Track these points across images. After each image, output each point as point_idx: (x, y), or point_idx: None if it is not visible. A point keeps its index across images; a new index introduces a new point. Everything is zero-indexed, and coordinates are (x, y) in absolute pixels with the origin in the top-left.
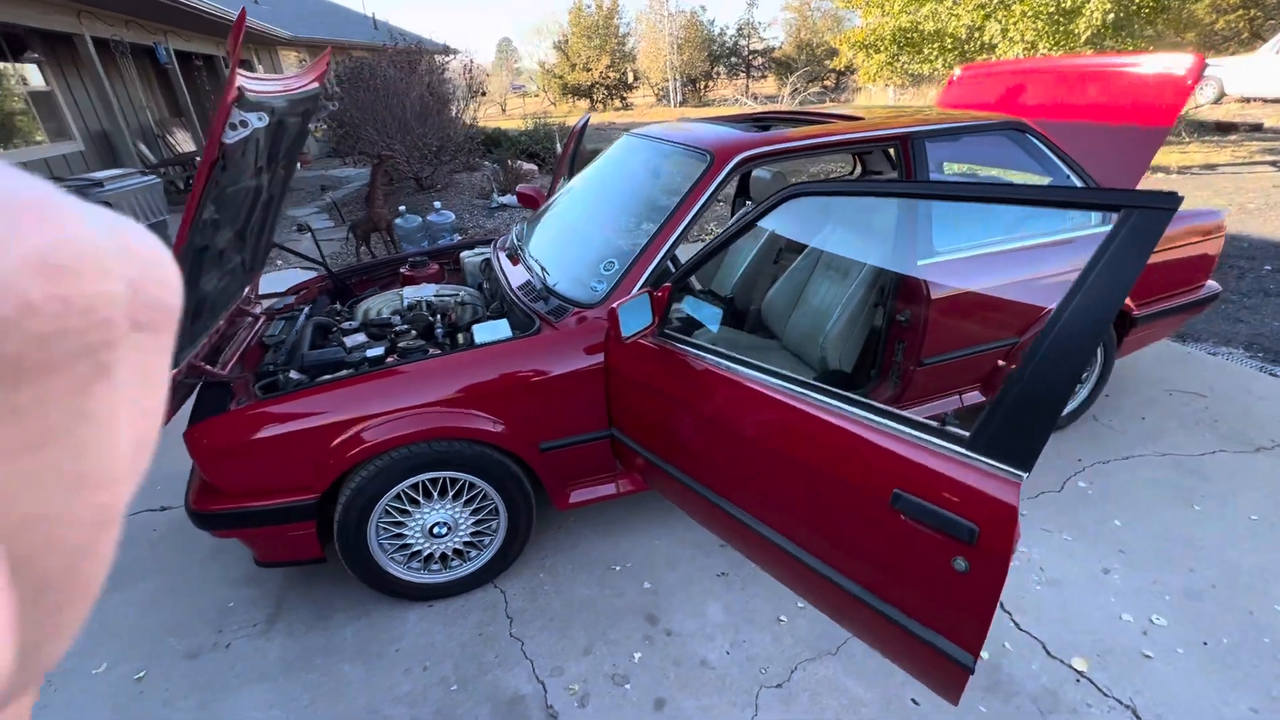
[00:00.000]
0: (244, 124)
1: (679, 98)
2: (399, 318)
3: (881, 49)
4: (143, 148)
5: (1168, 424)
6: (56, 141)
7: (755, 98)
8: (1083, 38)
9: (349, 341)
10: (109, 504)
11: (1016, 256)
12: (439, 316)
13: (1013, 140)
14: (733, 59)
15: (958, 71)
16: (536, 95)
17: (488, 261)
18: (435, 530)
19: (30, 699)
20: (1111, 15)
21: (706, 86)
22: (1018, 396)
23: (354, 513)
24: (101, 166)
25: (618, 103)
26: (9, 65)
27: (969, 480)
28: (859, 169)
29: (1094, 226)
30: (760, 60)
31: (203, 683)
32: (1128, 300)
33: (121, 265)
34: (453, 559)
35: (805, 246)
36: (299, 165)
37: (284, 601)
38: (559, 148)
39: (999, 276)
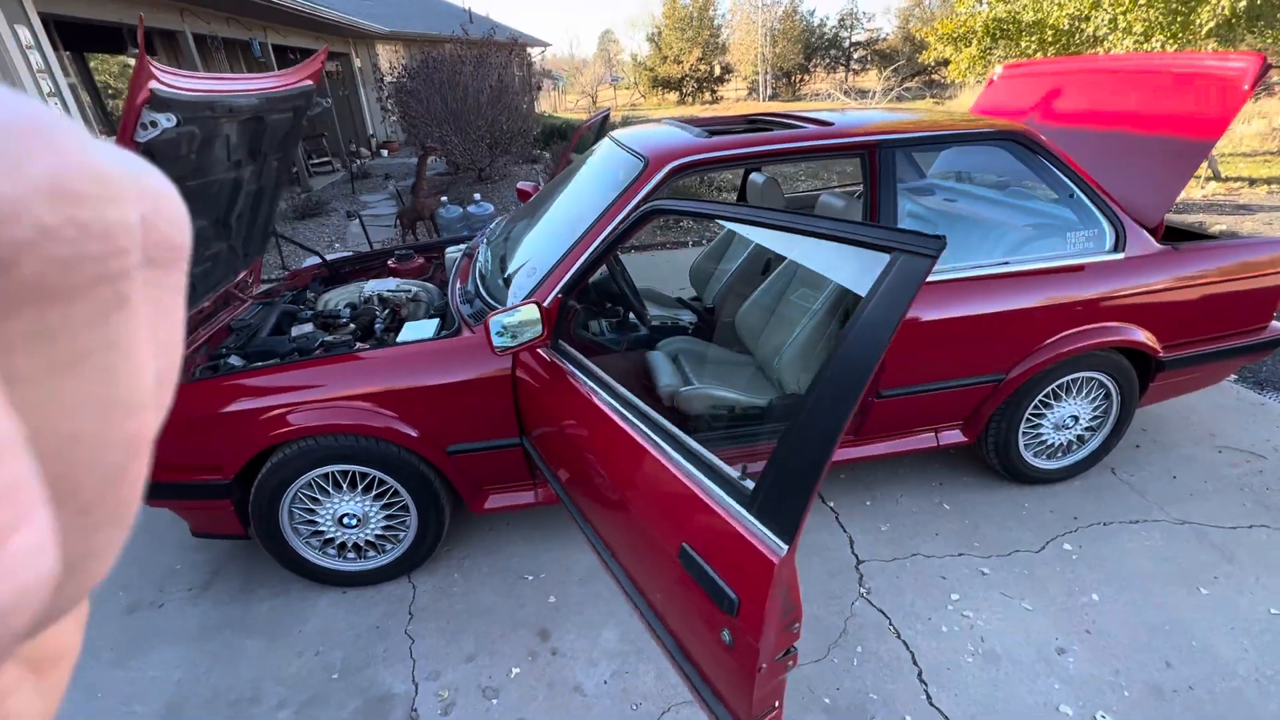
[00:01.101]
0: (154, 124)
1: (768, 92)
2: (350, 310)
3: (972, 42)
4: None
5: (1203, 487)
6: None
7: (849, 92)
8: (1205, 29)
9: (295, 331)
10: (139, 430)
11: (1003, 284)
12: (388, 311)
13: (1011, 152)
14: (832, 51)
15: (998, 71)
16: (628, 87)
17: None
18: (345, 521)
19: (83, 614)
20: (1244, 2)
21: (800, 80)
22: (784, 455)
23: (265, 495)
24: None
25: (707, 96)
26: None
27: (741, 543)
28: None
29: (1106, 253)
30: (862, 53)
31: (129, 638)
32: (1152, 340)
33: (132, 196)
34: (366, 549)
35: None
36: (385, 153)
37: (220, 570)
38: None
39: (979, 305)
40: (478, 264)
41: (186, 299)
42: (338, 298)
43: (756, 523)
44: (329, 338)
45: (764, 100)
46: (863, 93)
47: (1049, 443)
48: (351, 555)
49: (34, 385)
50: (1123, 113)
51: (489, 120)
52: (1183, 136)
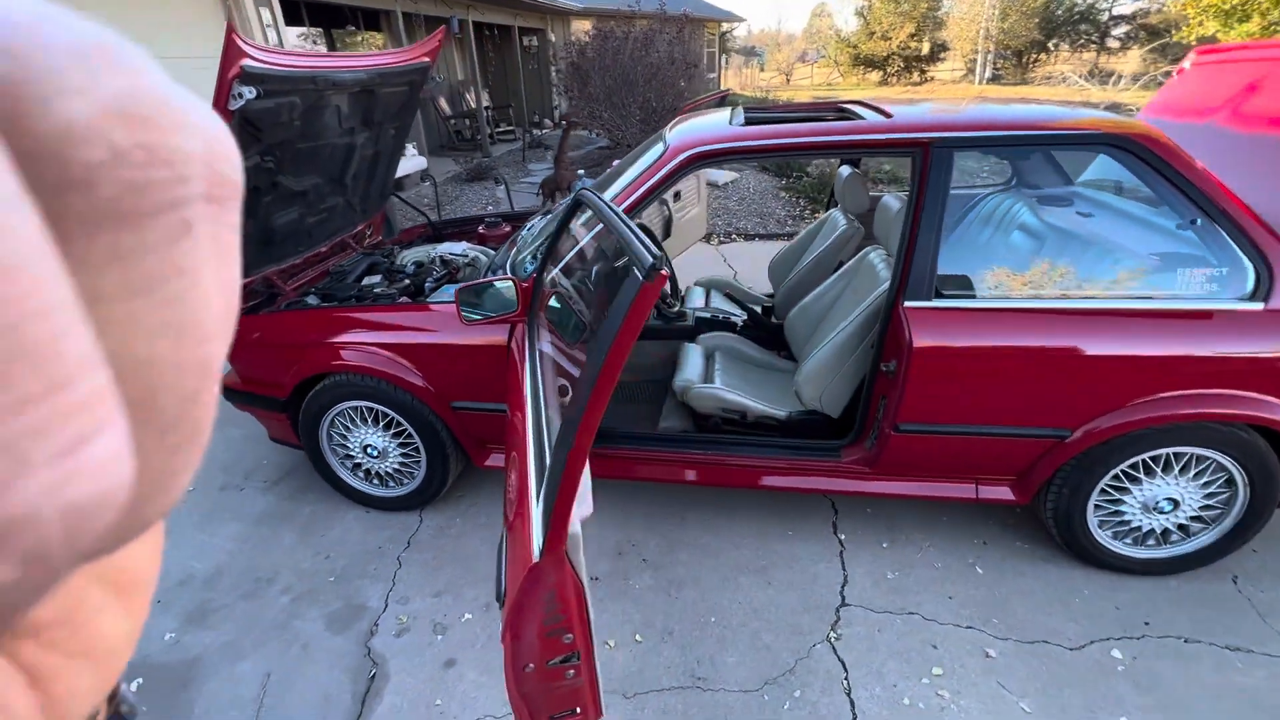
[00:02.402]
0: (240, 95)
1: (987, 73)
2: (415, 267)
3: (1251, 15)
4: (443, 102)
5: None
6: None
7: (1094, 75)
8: None
9: (365, 281)
10: (209, 356)
11: (1079, 320)
12: (445, 273)
13: (1119, 161)
14: (1082, 26)
15: (1190, 60)
16: (826, 65)
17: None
18: (369, 450)
19: (159, 542)
20: None
21: (1033, 60)
22: (552, 466)
23: (310, 416)
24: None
25: (915, 76)
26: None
27: (521, 543)
28: (1014, 178)
29: (1239, 300)
30: (1126, 28)
31: (213, 509)
32: None
33: (195, 126)
34: (387, 479)
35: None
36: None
37: (290, 473)
38: None
39: (1037, 338)
40: (522, 236)
41: (240, 241)
42: (411, 256)
43: (536, 526)
44: (378, 290)
45: (980, 84)
46: (1108, 76)
47: (1135, 525)
48: (375, 482)
49: (114, 306)
50: None
51: (643, 98)
52: None
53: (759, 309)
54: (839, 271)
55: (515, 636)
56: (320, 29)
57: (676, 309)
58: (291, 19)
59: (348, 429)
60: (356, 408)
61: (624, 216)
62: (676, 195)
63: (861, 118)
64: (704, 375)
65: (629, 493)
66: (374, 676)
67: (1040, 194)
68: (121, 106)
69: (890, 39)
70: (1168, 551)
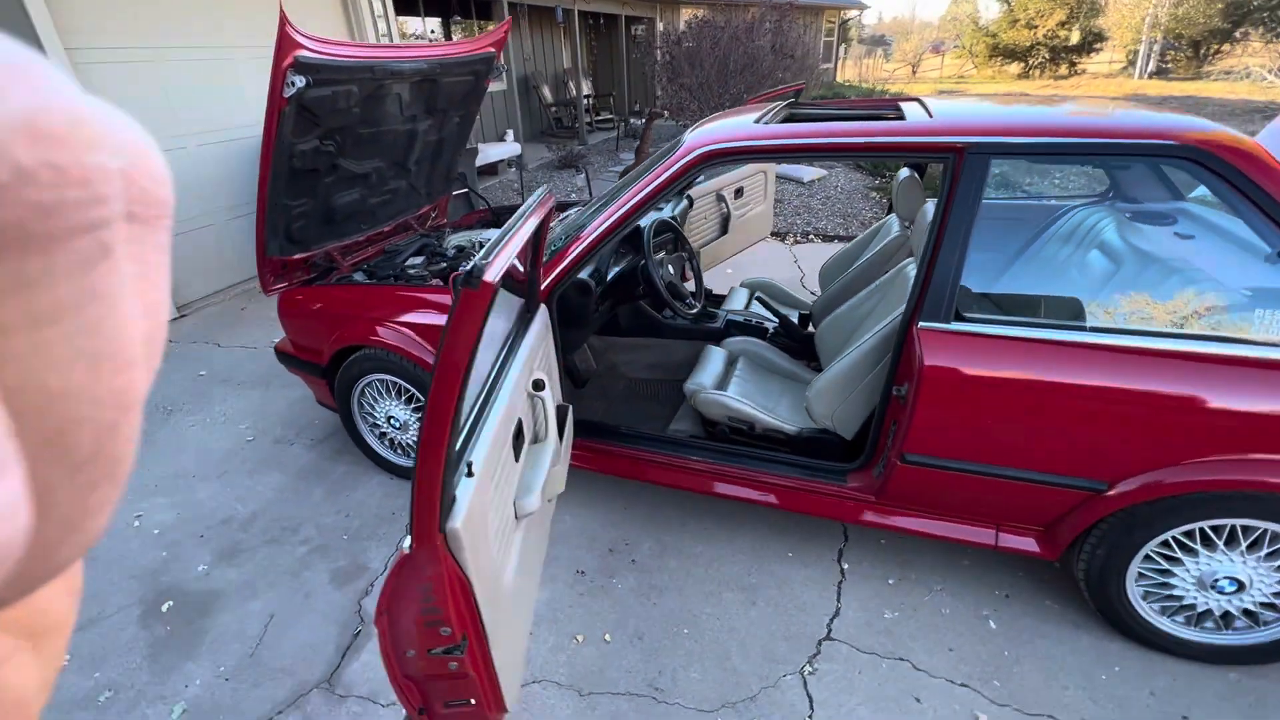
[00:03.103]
0: (293, 84)
1: (1150, 66)
2: (456, 250)
3: None
4: (545, 90)
5: None
6: (498, 81)
7: None
8: None
9: (410, 262)
10: (128, 386)
11: (1121, 361)
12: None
13: (1194, 176)
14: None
15: None
16: (959, 55)
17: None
18: (391, 421)
19: (77, 586)
20: None
21: (1215, 52)
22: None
23: (344, 383)
24: (521, 104)
25: (1062, 68)
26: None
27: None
28: (1111, 190)
29: None
30: None
31: (265, 459)
32: None
33: (112, 144)
34: (410, 450)
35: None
36: (666, 114)
37: (332, 434)
38: None
39: (1074, 375)
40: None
41: (170, 261)
42: (456, 240)
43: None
44: (414, 271)
45: (1140, 78)
46: None
47: (1188, 602)
48: (399, 451)
49: (16, 337)
50: None
51: (735, 90)
52: None
53: (796, 316)
54: (877, 282)
55: (390, 621)
56: (439, 19)
57: (696, 310)
58: (408, 9)
59: (375, 400)
60: (384, 380)
61: (521, 223)
62: (739, 192)
63: (905, 118)
64: (720, 380)
65: (634, 491)
66: (358, 634)
67: (1137, 209)
68: (28, 124)
69: (1036, 27)
70: (1229, 639)
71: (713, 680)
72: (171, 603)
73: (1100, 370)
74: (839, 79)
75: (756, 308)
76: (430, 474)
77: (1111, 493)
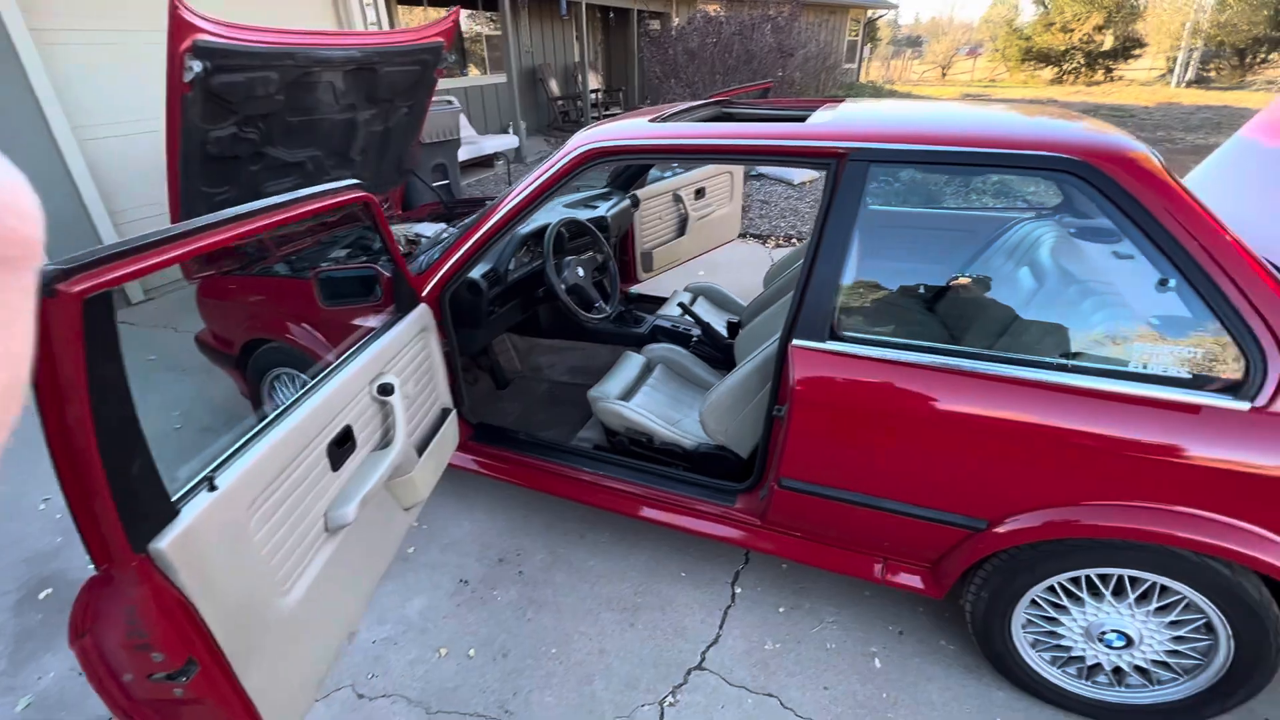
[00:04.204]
0: (191, 69)
1: (1189, 74)
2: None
3: None
4: (553, 83)
5: None
6: (496, 73)
7: None
8: None
9: (334, 255)
10: None
11: (1000, 391)
12: (406, 251)
13: (1083, 193)
14: None
15: None
16: (991, 59)
17: None
18: None
19: None
20: None
21: (1260, 60)
22: None
23: (254, 377)
24: (526, 96)
25: (1100, 75)
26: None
27: None
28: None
29: (1213, 394)
30: None
31: (186, 449)
32: None
33: None
34: None
35: None
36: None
37: None
38: None
39: (951, 404)
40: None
41: (35, 305)
42: (399, 231)
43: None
44: (325, 264)
45: (1178, 85)
46: None
47: (1077, 653)
48: None
49: None
50: None
51: (728, 87)
52: None
53: (725, 324)
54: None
55: (94, 644)
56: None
57: (607, 314)
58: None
59: (285, 393)
60: (291, 374)
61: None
62: (699, 193)
63: (779, 124)
64: (629, 388)
65: (540, 498)
66: None
67: (1083, 224)
68: None
69: (1072, 30)
70: (1120, 696)
71: (567, 705)
72: (51, 590)
73: (978, 401)
74: (863, 79)
75: (702, 311)
76: (83, 499)
77: (992, 532)
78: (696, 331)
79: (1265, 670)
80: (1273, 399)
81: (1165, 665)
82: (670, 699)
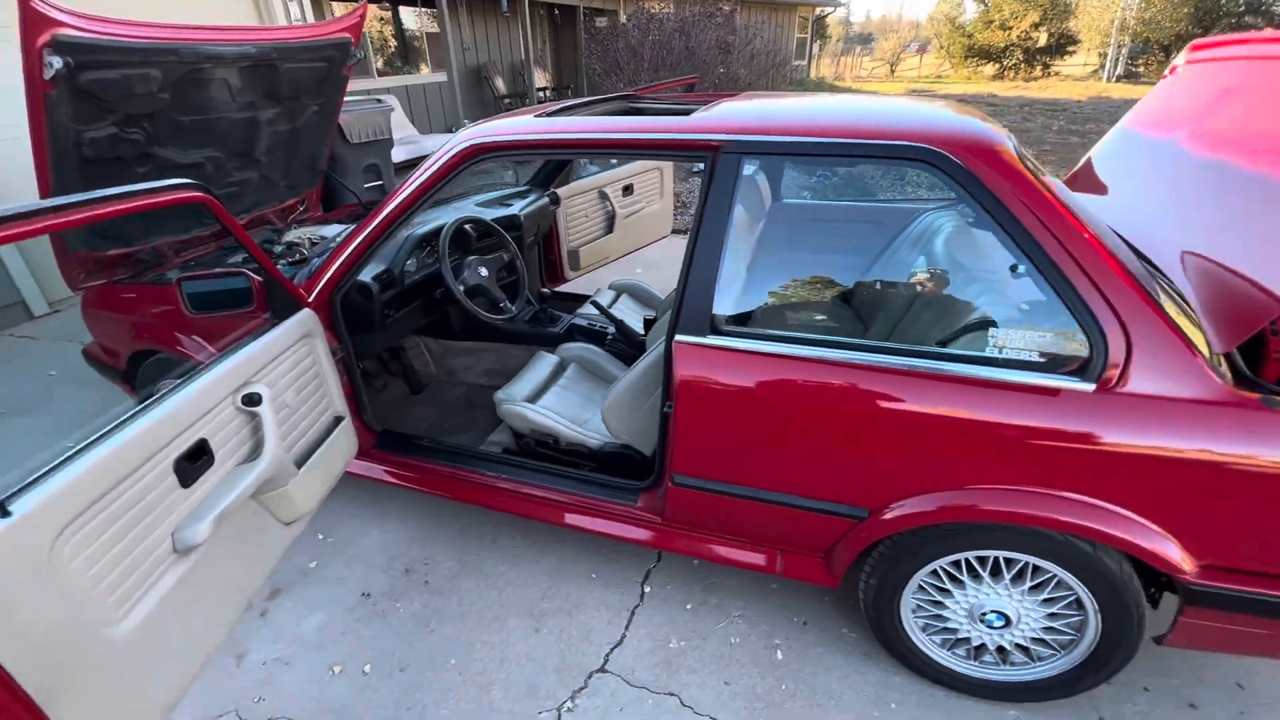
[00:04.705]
0: (51, 65)
1: (1118, 70)
2: (282, 247)
3: None
4: (498, 81)
5: None
6: (437, 72)
7: None
8: None
9: (230, 261)
10: None
11: (875, 380)
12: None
13: (940, 181)
14: (1248, 18)
15: (1184, 56)
16: (938, 56)
17: None
18: None
19: None
20: None
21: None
22: None
23: (143, 388)
24: (470, 95)
25: (1038, 71)
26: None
27: None
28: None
29: (1064, 377)
30: None
31: None
32: (1162, 547)
33: None
34: None
35: None
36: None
37: None
38: None
39: (826, 396)
40: None
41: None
42: (293, 235)
43: None
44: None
45: (1109, 80)
46: None
47: (963, 635)
48: None
49: None
50: None
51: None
52: None
53: (642, 320)
54: None
55: None
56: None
57: (513, 314)
58: None
59: None
60: None
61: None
62: (627, 189)
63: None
64: (539, 389)
65: (453, 507)
66: None
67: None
68: None
69: (1010, 28)
70: (1005, 675)
71: (462, 717)
72: None
73: (851, 391)
74: (813, 76)
75: (627, 308)
76: None
77: (872, 520)
78: (613, 329)
79: (1131, 641)
80: (1115, 380)
81: (1043, 642)
82: (569, 704)
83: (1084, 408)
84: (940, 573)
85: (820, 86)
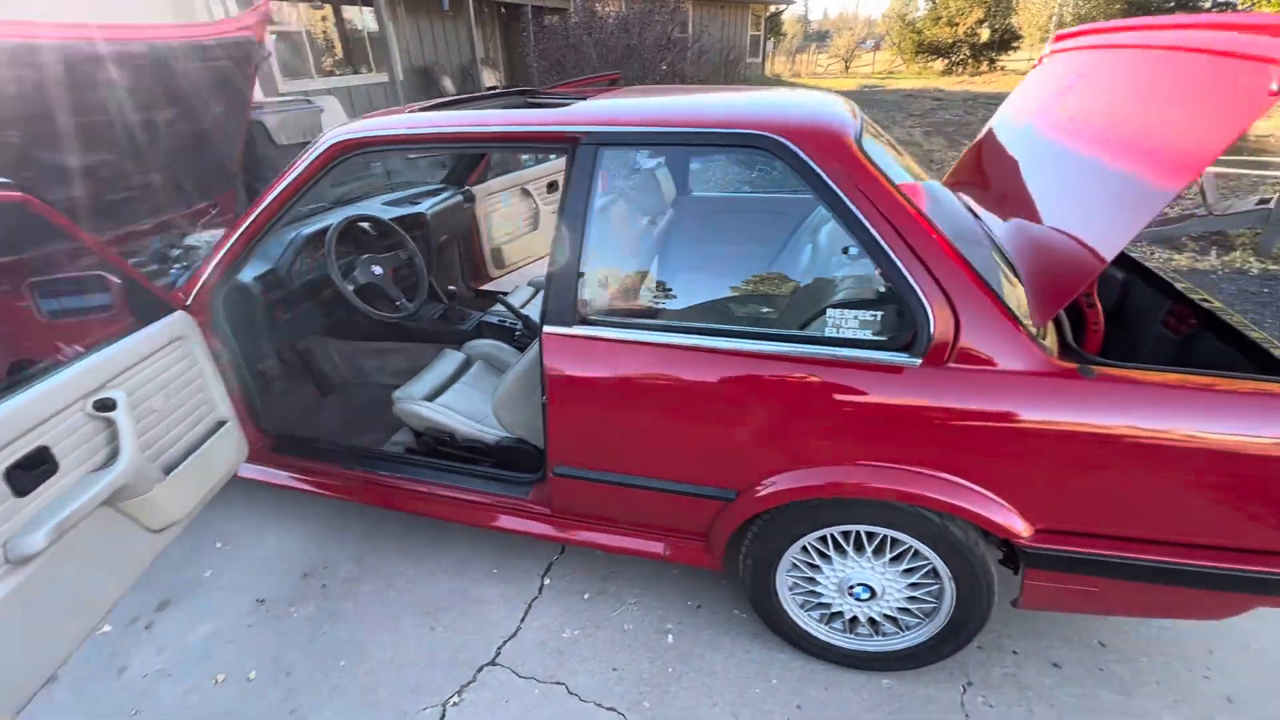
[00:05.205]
0: None
1: None
2: (178, 251)
3: None
4: (447, 82)
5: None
6: (379, 72)
7: None
8: None
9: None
10: None
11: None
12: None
13: (776, 168)
14: (1176, 9)
15: (1049, 46)
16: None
17: None
18: None
19: None
20: None
21: None
22: None
23: None
24: (417, 96)
25: (985, 66)
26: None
27: None
28: None
29: (891, 351)
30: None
31: None
32: (990, 510)
33: None
34: None
35: None
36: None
37: None
38: None
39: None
40: None
41: None
42: (194, 239)
43: None
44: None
45: None
46: None
47: (837, 609)
48: None
49: None
50: (1128, 114)
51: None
52: (1171, 153)
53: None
54: None
55: None
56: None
57: (410, 312)
58: None
59: None
60: None
61: None
62: (551, 186)
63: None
64: (441, 386)
65: (357, 508)
66: None
67: None
68: None
69: (957, 24)
70: (877, 645)
71: (347, 718)
72: None
73: (705, 375)
74: (768, 73)
75: (532, 306)
76: None
77: (740, 501)
78: (520, 326)
79: (983, 605)
80: (946, 355)
81: (908, 612)
82: (455, 699)
83: (914, 383)
84: (810, 549)
85: (775, 83)
